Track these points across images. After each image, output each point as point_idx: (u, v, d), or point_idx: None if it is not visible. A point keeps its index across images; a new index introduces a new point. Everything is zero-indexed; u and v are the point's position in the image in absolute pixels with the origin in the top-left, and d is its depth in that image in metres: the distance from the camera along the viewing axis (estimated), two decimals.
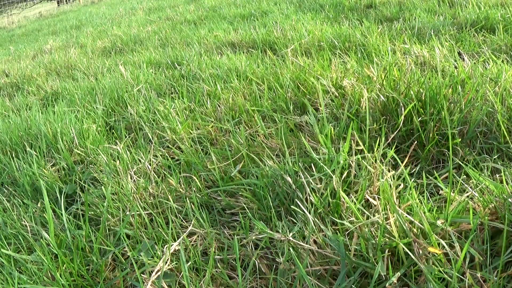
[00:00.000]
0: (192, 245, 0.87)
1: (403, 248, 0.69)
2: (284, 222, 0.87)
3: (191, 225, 0.91)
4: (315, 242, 0.79)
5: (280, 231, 0.83)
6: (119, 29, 4.13)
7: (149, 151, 1.28)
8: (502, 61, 1.35)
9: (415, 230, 0.72)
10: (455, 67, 1.34)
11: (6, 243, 0.98)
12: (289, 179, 0.92)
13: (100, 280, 0.84)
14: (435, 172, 0.95)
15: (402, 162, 0.93)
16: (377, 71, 1.42)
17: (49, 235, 0.86)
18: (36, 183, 1.23)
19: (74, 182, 1.23)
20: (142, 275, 0.81)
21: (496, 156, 0.96)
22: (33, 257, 0.87)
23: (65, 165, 1.32)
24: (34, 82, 2.59)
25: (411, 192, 0.81)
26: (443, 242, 0.70)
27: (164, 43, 3.02)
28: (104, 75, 2.31)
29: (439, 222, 0.73)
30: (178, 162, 1.22)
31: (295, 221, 0.86)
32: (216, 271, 0.80)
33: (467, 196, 0.80)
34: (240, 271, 0.78)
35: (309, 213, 0.81)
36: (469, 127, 1.05)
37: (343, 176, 0.92)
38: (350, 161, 0.93)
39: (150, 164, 1.20)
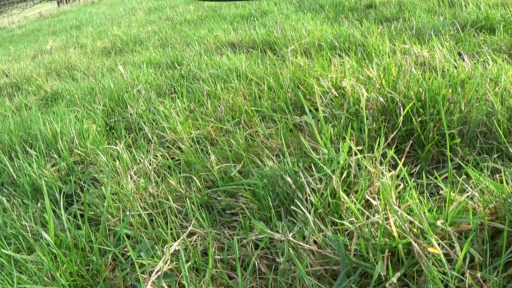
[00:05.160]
0: (192, 245, 0.87)
1: (403, 249, 0.69)
2: (284, 222, 0.87)
3: (191, 225, 0.91)
4: (315, 242, 0.78)
5: (280, 231, 0.83)
6: (119, 29, 4.13)
7: (149, 151, 1.28)
8: (502, 61, 1.35)
9: (415, 230, 0.72)
10: (455, 67, 1.34)
11: (6, 243, 0.98)
12: (289, 179, 0.92)
13: (100, 280, 0.84)
14: (435, 172, 0.95)
15: (401, 162, 0.93)
16: (377, 71, 1.42)
17: (49, 235, 0.86)
18: (36, 183, 1.23)
19: (74, 182, 1.23)
20: (142, 275, 0.81)
21: (496, 156, 0.96)
22: (33, 257, 0.87)
23: (65, 165, 1.32)
24: (34, 82, 2.59)
25: (411, 192, 0.81)
26: (442, 242, 0.70)
27: (164, 43, 3.01)
28: (104, 75, 2.31)
29: (439, 222, 0.73)
30: (178, 162, 1.22)
31: (295, 221, 0.86)
32: (216, 271, 0.80)
33: (467, 196, 0.80)
34: (240, 271, 0.78)
35: (309, 213, 0.81)
36: (469, 127, 1.05)
37: (343, 176, 0.92)
38: (350, 161, 0.93)
39: (150, 164, 1.20)
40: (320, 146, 1.00)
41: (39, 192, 1.21)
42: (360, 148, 1.02)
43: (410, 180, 0.91)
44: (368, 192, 0.88)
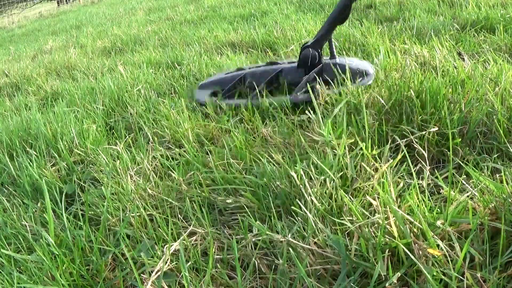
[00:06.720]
0: (192, 245, 0.87)
1: (403, 249, 0.69)
2: (284, 221, 0.87)
3: (192, 225, 0.91)
4: (315, 242, 0.78)
5: (280, 231, 0.83)
6: (119, 29, 4.13)
7: (148, 151, 1.28)
8: (502, 61, 1.35)
9: (415, 230, 0.72)
10: (455, 67, 1.34)
11: (6, 243, 0.98)
12: (292, 174, 0.92)
13: (100, 280, 0.84)
14: (436, 172, 0.95)
15: (401, 162, 0.93)
16: (376, 71, 1.42)
17: (49, 235, 0.86)
18: (36, 183, 1.23)
19: (74, 182, 1.23)
20: (142, 275, 0.81)
21: (496, 156, 0.96)
22: (33, 257, 0.87)
23: (65, 165, 1.32)
24: (34, 82, 2.59)
25: (410, 192, 0.81)
26: (442, 243, 0.70)
27: (164, 43, 3.02)
28: (104, 75, 2.31)
29: (439, 222, 0.73)
30: (178, 161, 1.22)
31: (295, 221, 0.86)
32: (216, 271, 0.80)
33: (467, 196, 0.80)
34: (240, 271, 0.78)
35: (309, 212, 0.81)
36: (469, 127, 1.05)
37: (343, 176, 0.92)
38: (350, 161, 0.93)
39: (150, 164, 1.20)
40: (320, 146, 1.00)
41: (39, 192, 1.21)
42: (360, 147, 1.02)
43: (411, 180, 0.91)
44: (369, 191, 0.88)
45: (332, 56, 1.51)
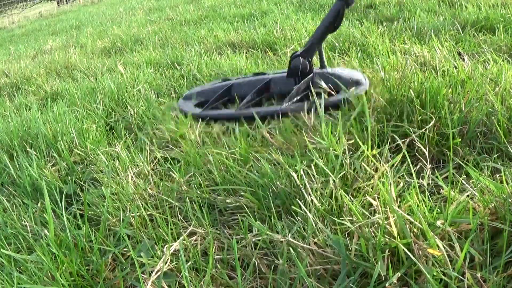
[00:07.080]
0: (192, 245, 0.87)
1: (403, 249, 0.69)
2: (284, 221, 0.87)
3: (192, 225, 0.91)
4: (315, 242, 0.78)
5: (280, 230, 0.83)
6: (119, 29, 4.13)
7: (149, 152, 1.28)
8: (502, 61, 1.35)
9: (415, 230, 0.72)
10: (455, 67, 1.34)
11: (6, 243, 0.98)
12: (293, 174, 0.91)
13: (100, 280, 0.84)
14: (436, 172, 0.95)
15: (401, 161, 0.93)
16: (377, 72, 1.42)
17: (49, 235, 0.86)
18: (36, 183, 1.23)
19: (74, 182, 1.23)
20: (142, 275, 0.81)
21: (496, 156, 0.96)
22: (33, 257, 0.87)
23: (65, 165, 1.32)
24: (34, 82, 2.59)
25: (410, 191, 0.81)
26: (441, 243, 0.70)
27: (164, 43, 3.02)
28: (104, 75, 2.31)
29: (439, 222, 0.73)
30: (178, 162, 1.22)
31: (295, 221, 0.86)
32: (216, 271, 0.80)
33: (467, 196, 0.80)
34: (240, 271, 0.78)
35: (309, 212, 0.81)
36: (469, 127, 1.05)
37: (343, 176, 0.92)
38: (351, 161, 0.93)
39: (150, 164, 1.20)
40: (321, 145, 1.00)
41: (39, 192, 1.21)
42: (361, 147, 1.02)
43: (411, 180, 0.91)
44: (369, 191, 0.88)
45: (322, 66, 1.49)
